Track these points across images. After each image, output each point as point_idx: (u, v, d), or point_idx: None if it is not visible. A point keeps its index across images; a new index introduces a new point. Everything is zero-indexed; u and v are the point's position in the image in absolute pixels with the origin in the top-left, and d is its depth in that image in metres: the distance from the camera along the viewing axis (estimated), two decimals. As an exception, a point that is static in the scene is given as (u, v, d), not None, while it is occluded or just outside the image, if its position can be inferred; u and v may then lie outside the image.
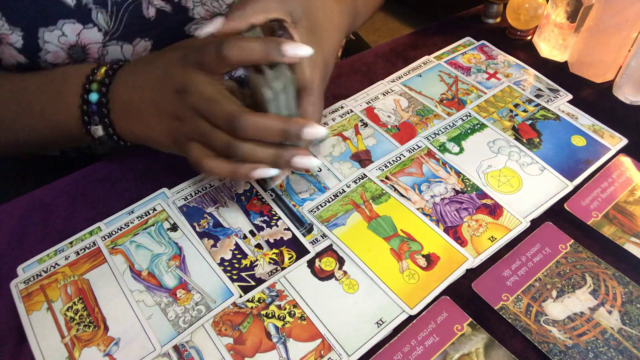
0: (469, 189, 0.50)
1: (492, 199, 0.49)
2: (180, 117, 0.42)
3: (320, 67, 0.43)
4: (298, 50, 0.39)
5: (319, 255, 0.45)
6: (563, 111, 0.58)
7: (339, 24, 0.48)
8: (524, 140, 0.54)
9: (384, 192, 0.49)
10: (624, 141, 0.54)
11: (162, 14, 0.52)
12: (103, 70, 0.46)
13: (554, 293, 0.42)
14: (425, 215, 0.48)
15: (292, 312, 0.41)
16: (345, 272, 0.44)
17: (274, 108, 0.41)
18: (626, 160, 0.52)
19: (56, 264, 0.44)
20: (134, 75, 0.45)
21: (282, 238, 0.46)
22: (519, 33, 0.67)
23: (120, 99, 0.45)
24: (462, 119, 0.57)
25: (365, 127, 0.56)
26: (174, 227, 0.47)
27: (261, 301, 0.42)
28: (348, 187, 0.50)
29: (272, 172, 0.41)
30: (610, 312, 0.41)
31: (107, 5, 0.49)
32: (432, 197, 0.49)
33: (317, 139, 0.40)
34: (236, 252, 0.45)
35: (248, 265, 0.44)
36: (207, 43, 0.40)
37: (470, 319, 0.41)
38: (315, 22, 0.44)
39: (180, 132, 0.42)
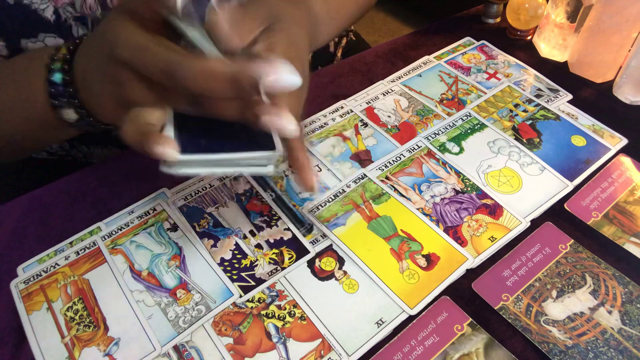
0: (469, 189, 0.50)
1: (492, 199, 0.49)
2: (117, 79, 0.34)
3: (296, 60, 0.37)
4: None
5: (319, 255, 0.45)
6: (563, 111, 0.58)
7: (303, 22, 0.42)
8: (524, 140, 0.54)
9: (384, 192, 0.49)
10: (624, 141, 0.54)
11: None
12: (65, 48, 0.40)
13: (554, 293, 0.42)
14: (425, 215, 0.48)
15: (292, 312, 0.41)
16: (345, 272, 0.44)
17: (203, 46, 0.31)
18: (626, 160, 0.52)
19: (56, 264, 0.44)
20: (87, 44, 0.39)
21: (282, 238, 0.46)
22: (519, 33, 0.67)
23: (80, 73, 0.39)
24: (462, 119, 0.57)
25: (365, 127, 0.56)
26: (174, 227, 0.47)
27: (261, 301, 0.42)
28: (348, 187, 0.50)
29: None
30: (610, 312, 0.41)
31: (86, 22, 0.46)
32: (432, 197, 0.49)
33: (283, 87, 0.29)
34: (236, 252, 0.45)
35: (248, 265, 0.44)
36: None
37: (470, 319, 0.41)
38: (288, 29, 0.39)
39: (121, 98, 0.35)
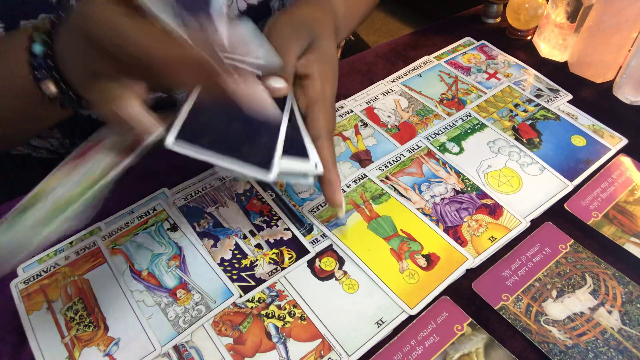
0: (469, 189, 0.50)
1: (492, 199, 0.49)
2: (88, 52, 0.34)
3: (330, 79, 0.42)
4: None
5: (319, 255, 0.45)
6: (563, 111, 0.58)
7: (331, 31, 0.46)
8: (524, 140, 0.54)
9: (384, 192, 0.49)
10: (624, 141, 0.54)
11: None
12: (47, 20, 0.39)
13: (554, 293, 0.42)
14: (425, 215, 0.48)
15: (292, 312, 0.41)
16: (345, 272, 0.44)
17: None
18: (626, 160, 0.52)
19: (56, 264, 0.44)
20: (69, 17, 0.38)
21: (282, 238, 0.46)
22: (519, 33, 0.67)
23: (60, 45, 0.38)
24: (462, 119, 0.57)
25: (365, 127, 0.56)
26: (174, 227, 0.47)
27: (261, 301, 0.42)
28: (348, 187, 0.50)
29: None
30: (610, 312, 0.41)
31: None
32: (432, 197, 0.49)
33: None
34: (236, 252, 0.45)
35: (248, 265, 0.44)
36: None
37: (470, 319, 0.41)
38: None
39: (89, 70, 0.35)
